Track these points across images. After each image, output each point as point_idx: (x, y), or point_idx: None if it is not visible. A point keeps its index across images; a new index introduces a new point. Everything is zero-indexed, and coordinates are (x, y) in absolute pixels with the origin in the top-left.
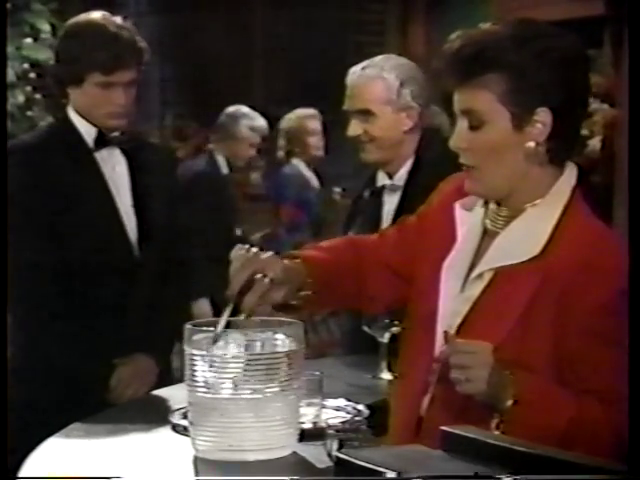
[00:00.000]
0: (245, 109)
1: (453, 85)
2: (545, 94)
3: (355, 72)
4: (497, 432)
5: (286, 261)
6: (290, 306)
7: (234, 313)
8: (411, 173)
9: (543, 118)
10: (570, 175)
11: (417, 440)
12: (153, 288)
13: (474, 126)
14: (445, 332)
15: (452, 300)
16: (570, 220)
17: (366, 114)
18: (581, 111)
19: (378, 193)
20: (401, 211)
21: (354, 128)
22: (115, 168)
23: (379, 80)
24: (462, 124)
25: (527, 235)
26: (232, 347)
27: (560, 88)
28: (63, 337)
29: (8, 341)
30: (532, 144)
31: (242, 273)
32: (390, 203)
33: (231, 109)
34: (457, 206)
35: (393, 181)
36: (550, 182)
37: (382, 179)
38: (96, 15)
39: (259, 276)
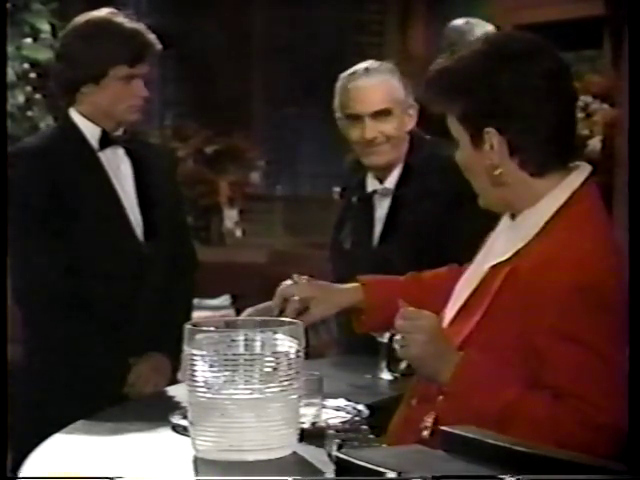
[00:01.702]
0: (474, 20)
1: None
2: (490, 116)
3: (356, 76)
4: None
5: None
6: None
7: None
8: (401, 177)
9: (490, 138)
10: (569, 183)
11: (405, 437)
12: (162, 285)
13: (457, 145)
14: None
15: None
16: (555, 225)
17: (382, 114)
18: (546, 128)
19: (369, 198)
20: (392, 215)
21: (371, 131)
22: (120, 167)
23: (391, 80)
24: (455, 143)
25: (508, 239)
26: None
27: (508, 110)
28: (75, 336)
29: (18, 341)
30: (488, 162)
31: (276, 299)
32: (382, 208)
33: (459, 22)
34: None
35: (384, 185)
36: (543, 192)
37: (372, 184)
38: (105, 12)
39: (292, 298)
